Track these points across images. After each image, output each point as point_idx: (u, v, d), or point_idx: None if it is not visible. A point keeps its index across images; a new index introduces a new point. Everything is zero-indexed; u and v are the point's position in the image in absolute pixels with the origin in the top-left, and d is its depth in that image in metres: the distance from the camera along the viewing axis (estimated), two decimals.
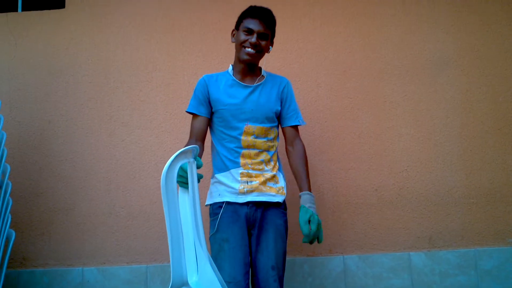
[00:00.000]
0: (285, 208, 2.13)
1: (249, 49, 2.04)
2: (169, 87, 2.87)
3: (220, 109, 2.08)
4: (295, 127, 2.20)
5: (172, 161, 1.50)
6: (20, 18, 2.96)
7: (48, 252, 2.75)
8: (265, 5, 2.12)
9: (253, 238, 2.03)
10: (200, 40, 2.92)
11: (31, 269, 2.73)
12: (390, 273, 2.67)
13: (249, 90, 2.10)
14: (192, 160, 1.60)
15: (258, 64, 2.16)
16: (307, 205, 2.00)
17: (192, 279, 1.50)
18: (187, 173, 1.57)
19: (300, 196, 2.06)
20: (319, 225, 1.97)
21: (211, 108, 2.12)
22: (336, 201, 2.76)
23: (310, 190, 2.07)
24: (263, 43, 2.06)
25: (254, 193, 2.02)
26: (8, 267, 2.45)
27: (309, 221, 1.94)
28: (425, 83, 2.85)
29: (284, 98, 2.17)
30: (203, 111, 2.11)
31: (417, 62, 2.88)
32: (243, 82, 2.12)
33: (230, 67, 2.18)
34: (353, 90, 2.85)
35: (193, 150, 1.60)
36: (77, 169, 2.82)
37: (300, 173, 2.11)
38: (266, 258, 1.99)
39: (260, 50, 2.07)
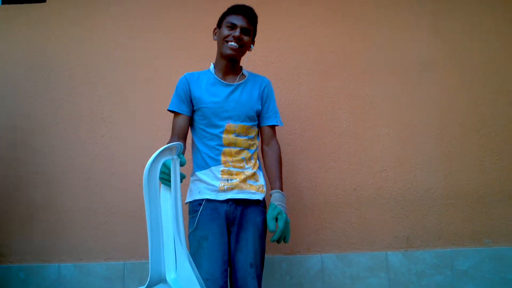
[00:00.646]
0: (265, 206, 2.13)
1: (232, 43, 2.05)
2: (151, 84, 2.86)
3: (201, 107, 2.08)
4: (273, 127, 2.22)
5: (156, 157, 1.48)
6: (0, 12, 2.93)
7: (25, 248, 2.73)
8: (247, 4, 2.13)
9: (232, 236, 2.03)
10: (182, 37, 2.91)
11: (7, 264, 2.70)
12: (367, 272, 2.69)
13: (230, 88, 2.11)
14: (175, 157, 1.58)
15: (239, 61, 2.17)
16: (276, 203, 2.02)
17: (170, 276, 1.49)
18: (170, 170, 1.55)
19: (270, 195, 2.08)
20: (286, 224, 1.98)
21: (193, 106, 2.12)
22: (315, 200, 2.76)
23: (282, 190, 2.09)
24: (245, 38, 2.08)
25: (235, 191, 2.03)
26: None
27: (277, 219, 1.96)
28: (406, 84, 2.86)
29: (265, 97, 2.19)
30: (184, 109, 2.12)
31: (398, 63, 2.89)
32: (225, 81, 2.13)
33: (212, 66, 2.19)
34: (334, 89, 2.86)
35: (177, 147, 1.59)
36: (55, 164, 2.80)
37: (274, 173, 2.14)
38: (245, 256, 1.98)
39: (243, 45, 2.08)
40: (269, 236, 2.03)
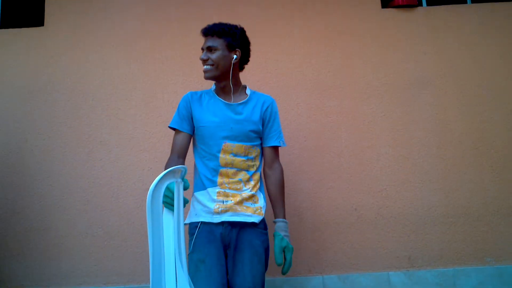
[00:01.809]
0: (265, 228, 2.10)
1: (204, 67, 2.06)
2: (148, 106, 2.86)
3: (200, 127, 2.08)
4: (275, 148, 2.18)
5: (159, 180, 1.48)
6: None
7: (24, 273, 2.70)
8: (243, 25, 2.16)
9: (229, 259, 2.00)
10: (180, 59, 2.91)
11: None
12: None
13: (230, 108, 2.09)
14: (179, 180, 1.58)
15: (229, 79, 2.10)
16: (282, 234, 2.01)
17: None
18: (173, 194, 1.54)
19: (275, 222, 2.06)
20: (291, 253, 2.02)
21: (193, 125, 2.12)
22: (315, 221, 2.75)
23: (285, 217, 2.09)
24: (213, 56, 2.05)
25: (229, 213, 1.99)
26: None
27: (284, 251, 1.97)
28: (404, 103, 2.86)
29: (267, 118, 2.14)
30: (185, 127, 2.11)
31: (396, 82, 2.89)
32: (226, 100, 2.11)
33: (213, 85, 2.18)
34: (332, 109, 2.86)
35: (181, 171, 1.58)
36: (54, 188, 2.79)
37: (277, 199, 2.12)
38: (242, 280, 1.94)
39: (211, 64, 2.05)
40: (273, 258, 2.02)
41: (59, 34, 2.93)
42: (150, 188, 1.43)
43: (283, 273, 1.99)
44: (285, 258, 1.99)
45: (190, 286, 1.52)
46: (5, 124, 2.84)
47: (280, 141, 2.17)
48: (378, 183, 2.79)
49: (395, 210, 2.75)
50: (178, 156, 2.07)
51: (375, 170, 2.80)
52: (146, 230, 2.63)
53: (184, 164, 2.06)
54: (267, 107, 2.15)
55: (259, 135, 2.13)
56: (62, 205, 2.77)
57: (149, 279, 2.62)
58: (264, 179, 2.18)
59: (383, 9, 2.99)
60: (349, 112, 2.86)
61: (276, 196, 2.12)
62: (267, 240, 2.09)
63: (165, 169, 1.90)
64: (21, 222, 2.75)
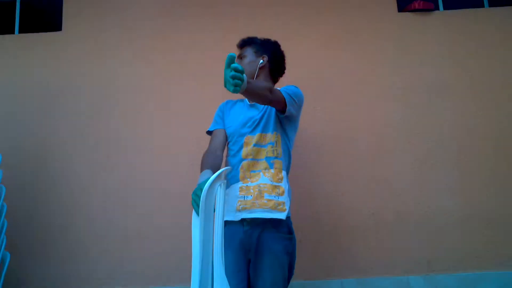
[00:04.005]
0: (289, 232, 2.03)
1: None
2: (167, 108, 2.88)
3: (227, 128, 2.17)
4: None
5: (212, 181, 1.50)
6: (17, 40, 2.97)
7: (43, 275, 2.72)
8: (259, 31, 2.27)
9: (251, 264, 1.99)
10: (198, 61, 2.93)
11: None
12: None
13: (253, 106, 2.16)
14: (224, 181, 1.60)
15: (253, 76, 2.17)
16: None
17: None
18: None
19: None
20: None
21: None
22: (333, 225, 2.73)
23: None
24: (241, 62, 2.18)
25: (247, 210, 1.95)
26: None
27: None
28: (421, 107, 2.85)
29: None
30: (222, 125, 2.20)
31: (414, 85, 2.88)
32: (253, 104, 2.17)
33: None
34: (349, 113, 2.85)
35: (227, 171, 1.62)
36: (74, 190, 2.81)
37: None
38: (262, 284, 1.93)
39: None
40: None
41: (77, 38, 2.96)
42: (204, 189, 1.49)
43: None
44: None
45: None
46: (26, 127, 2.87)
47: (285, 92, 1.98)
48: (396, 187, 2.77)
49: (414, 214, 2.73)
50: (216, 148, 2.10)
51: (393, 174, 2.78)
52: (166, 231, 2.67)
53: (222, 156, 2.08)
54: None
55: (280, 122, 2.09)
56: (82, 206, 2.79)
57: (167, 280, 2.65)
58: None
59: (399, 13, 2.99)
60: (366, 116, 2.85)
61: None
62: (292, 244, 2.03)
63: (202, 162, 1.98)
64: (42, 223, 2.77)
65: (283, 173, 2.05)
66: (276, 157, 2.05)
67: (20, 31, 3.05)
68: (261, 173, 2.01)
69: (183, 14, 3.01)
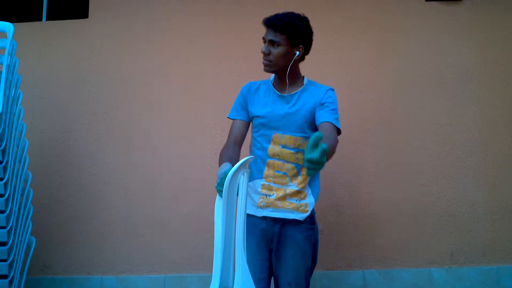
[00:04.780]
0: (312, 223, 2.02)
1: (263, 61, 1.98)
2: (188, 96, 2.89)
3: (254, 117, 2.06)
4: (329, 124, 1.92)
5: (235, 170, 1.51)
6: (44, 28, 3.01)
7: (68, 260, 2.77)
8: (280, 9, 2.01)
9: (273, 254, 1.99)
10: (219, 49, 2.93)
11: (51, 276, 2.75)
12: None
13: (283, 99, 2.03)
14: (248, 170, 1.60)
15: (287, 71, 1.98)
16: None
17: None
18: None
19: None
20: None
21: (250, 114, 2.09)
22: (356, 215, 2.73)
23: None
24: (274, 51, 1.94)
25: (270, 208, 1.96)
26: (28, 273, 2.49)
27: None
28: (447, 97, 2.82)
29: (324, 101, 1.99)
30: (242, 115, 2.09)
31: (438, 75, 2.85)
32: (281, 91, 2.04)
33: (272, 76, 2.10)
34: (372, 103, 2.83)
35: (250, 160, 1.62)
36: (97, 177, 2.84)
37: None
38: (284, 274, 1.94)
39: (270, 60, 1.95)
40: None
41: (102, 26, 2.98)
42: (227, 178, 1.48)
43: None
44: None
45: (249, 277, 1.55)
46: (51, 114, 2.91)
47: (335, 119, 1.95)
48: (419, 177, 2.75)
49: (436, 206, 2.71)
50: (234, 143, 2.03)
51: (416, 164, 2.76)
52: (188, 219, 2.69)
53: (239, 152, 2.03)
54: (324, 95, 2.00)
55: (310, 124, 2.01)
56: (104, 193, 2.83)
57: (190, 268, 2.68)
58: None
59: (427, 1, 2.94)
60: (388, 106, 2.83)
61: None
62: (314, 235, 2.03)
63: (221, 155, 1.94)
64: (65, 210, 2.82)
65: (309, 177, 2.02)
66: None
67: (48, 18, 3.07)
68: (287, 179, 1.98)
69: (208, 2, 2.99)
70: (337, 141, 1.90)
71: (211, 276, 1.49)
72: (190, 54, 2.94)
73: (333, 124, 1.94)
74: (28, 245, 2.50)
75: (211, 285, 1.47)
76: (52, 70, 2.95)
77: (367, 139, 2.80)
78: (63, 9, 3.04)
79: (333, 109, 2.00)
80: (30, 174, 2.55)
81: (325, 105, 1.99)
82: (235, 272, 1.54)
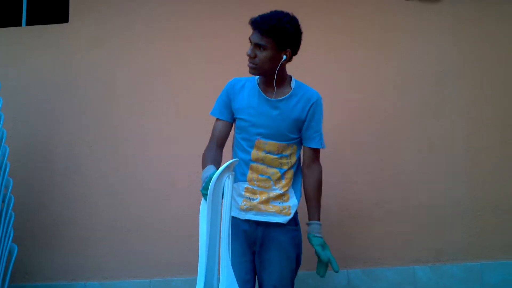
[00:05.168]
0: (295, 224, 2.02)
1: (248, 64, 1.90)
2: (173, 101, 2.88)
3: (237, 118, 2.01)
4: (316, 150, 2.03)
5: (220, 174, 1.50)
6: (24, 33, 2.98)
7: (51, 266, 2.74)
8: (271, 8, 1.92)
9: (256, 256, 1.98)
10: (204, 55, 2.92)
11: (34, 283, 2.72)
12: (395, 287, 2.64)
13: (268, 103, 1.95)
14: (233, 173, 1.59)
15: (273, 74, 1.91)
16: (319, 235, 1.96)
17: None
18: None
19: (308, 224, 1.98)
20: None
21: (233, 113, 2.03)
22: (340, 215, 2.74)
23: (319, 219, 1.99)
24: (260, 54, 1.85)
25: (252, 212, 1.94)
26: (10, 281, 2.45)
27: (323, 248, 1.94)
28: (429, 95, 2.84)
29: (309, 118, 1.97)
30: (226, 115, 2.02)
31: (421, 74, 2.86)
32: (266, 94, 1.96)
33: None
34: (355, 102, 2.84)
35: (235, 163, 1.61)
36: (79, 182, 2.82)
37: (312, 201, 2.00)
38: (268, 277, 1.92)
39: (255, 63, 1.87)
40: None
41: (83, 31, 2.96)
42: (212, 181, 1.47)
43: (335, 270, 1.94)
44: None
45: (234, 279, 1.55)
46: (32, 119, 2.88)
47: (321, 143, 2.02)
48: (402, 176, 2.76)
49: (420, 204, 2.73)
50: (217, 144, 1.99)
51: (400, 163, 2.78)
52: (173, 223, 2.68)
53: (221, 153, 2.00)
54: (311, 106, 1.97)
55: (297, 134, 1.99)
56: (88, 199, 2.80)
57: (175, 272, 2.67)
58: (302, 178, 2.05)
59: (407, 1, 2.95)
60: (372, 105, 2.84)
61: (311, 198, 2.01)
62: (298, 236, 2.02)
63: (204, 158, 1.91)
64: (48, 216, 2.79)
65: (294, 180, 2.03)
66: (289, 169, 1.99)
67: (27, 23, 3.05)
68: (271, 182, 1.96)
69: (191, 2, 2.99)
70: (321, 170, 2.07)
71: (196, 280, 1.48)
72: (175, 56, 2.93)
73: (319, 149, 2.05)
74: (10, 253, 2.47)
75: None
76: (33, 75, 2.93)
77: (350, 138, 2.81)
78: (43, 14, 3.02)
79: (317, 131, 2.01)
80: (11, 180, 2.52)
81: (312, 125, 1.99)
82: (220, 275, 1.54)
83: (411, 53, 2.89)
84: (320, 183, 2.05)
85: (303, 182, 2.05)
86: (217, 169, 1.72)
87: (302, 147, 2.04)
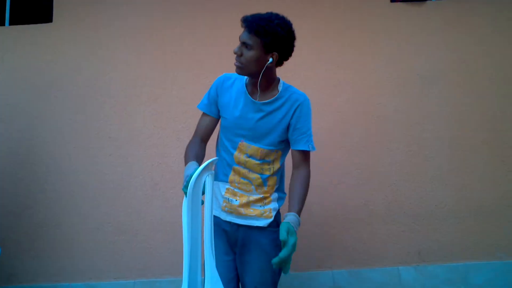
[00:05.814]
0: (277, 225, 1.96)
1: (235, 61, 1.84)
2: (157, 102, 2.86)
3: (223, 117, 1.97)
4: (303, 152, 1.95)
5: (200, 172, 1.49)
6: (8, 32, 2.95)
7: (35, 268, 2.73)
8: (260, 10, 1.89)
9: (237, 257, 1.96)
10: (189, 54, 2.91)
11: (18, 285, 2.70)
12: None
13: (254, 106, 1.90)
14: (212, 172, 1.58)
15: (258, 76, 1.84)
16: (289, 222, 1.77)
17: None
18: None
19: (285, 216, 1.85)
20: (293, 247, 1.72)
21: (219, 110, 1.99)
22: (325, 216, 2.74)
23: (298, 214, 1.84)
24: (246, 54, 1.80)
25: (233, 215, 1.93)
26: None
27: (288, 234, 1.72)
28: (416, 97, 2.84)
29: (295, 120, 1.91)
30: (213, 111, 1.98)
31: (408, 76, 2.87)
32: (252, 96, 1.91)
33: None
34: (343, 104, 2.84)
35: (214, 163, 1.60)
36: (64, 184, 2.80)
37: (294, 195, 1.88)
38: (251, 278, 1.90)
39: (241, 62, 1.82)
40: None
41: (67, 30, 2.94)
42: (191, 180, 1.47)
43: (279, 258, 1.68)
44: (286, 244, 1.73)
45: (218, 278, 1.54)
46: (16, 120, 2.86)
47: (309, 145, 1.94)
48: (388, 178, 2.77)
49: (405, 205, 2.74)
50: (201, 139, 1.97)
51: (386, 165, 2.78)
52: (156, 224, 2.68)
53: (205, 148, 1.97)
54: (296, 109, 1.91)
55: (281, 138, 1.94)
56: (73, 200, 2.78)
57: (159, 273, 2.66)
58: (291, 178, 1.96)
59: (392, 3, 2.95)
60: (359, 107, 2.84)
61: (294, 192, 1.88)
62: (279, 238, 2.00)
63: (187, 152, 1.87)
64: (33, 218, 2.77)
65: (277, 186, 1.99)
66: (271, 175, 1.96)
67: (11, 23, 3.02)
68: (252, 187, 1.94)
69: (175, 7, 2.97)
70: (308, 173, 1.95)
71: (181, 281, 1.48)
72: (159, 59, 2.91)
73: (307, 152, 1.95)
74: None
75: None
76: (16, 75, 2.90)
77: (337, 140, 2.81)
78: (26, 14, 2.98)
79: (304, 133, 1.94)
80: None
81: (297, 127, 1.92)
82: (205, 273, 1.53)
83: (398, 55, 2.89)
84: (306, 186, 1.93)
85: (290, 181, 1.95)
86: (200, 164, 1.71)
87: (290, 150, 1.99)
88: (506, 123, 2.80)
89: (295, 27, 1.90)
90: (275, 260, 1.65)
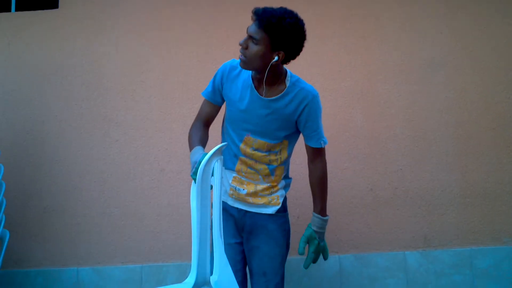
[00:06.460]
0: (284, 210, 2.01)
1: (240, 54, 1.80)
2: (163, 88, 2.86)
3: (228, 108, 1.97)
4: (316, 148, 1.99)
5: (209, 158, 1.50)
6: (13, 19, 2.94)
7: (43, 253, 2.74)
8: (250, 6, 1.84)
9: (244, 242, 1.98)
10: (194, 41, 2.90)
11: (26, 269, 2.71)
12: (385, 272, 2.67)
13: (260, 102, 1.87)
14: (221, 157, 1.59)
15: (264, 73, 1.80)
16: (314, 228, 1.99)
17: (213, 278, 1.51)
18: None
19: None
20: (319, 249, 2.01)
21: (223, 98, 2.00)
22: (331, 201, 2.71)
23: (322, 214, 2.03)
24: (252, 47, 1.74)
25: (239, 202, 1.96)
26: (2, 267, 2.45)
27: (308, 243, 1.98)
28: (420, 83, 2.84)
29: (304, 118, 1.90)
30: (216, 99, 1.99)
31: (412, 62, 2.86)
32: (258, 91, 1.87)
33: None
34: (347, 90, 2.84)
35: (223, 148, 1.61)
36: (71, 169, 2.81)
37: (315, 194, 2.05)
38: (258, 264, 1.93)
39: (246, 55, 1.77)
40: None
41: (73, 17, 2.93)
42: (201, 166, 1.47)
43: (304, 267, 1.99)
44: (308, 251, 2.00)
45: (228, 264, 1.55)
46: (22, 107, 2.86)
47: (321, 142, 1.97)
48: (394, 163, 2.77)
49: (411, 190, 2.74)
50: (204, 124, 1.99)
51: (391, 150, 2.79)
52: (163, 209, 2.69)
53: (208, 133, 2.00)
54: (304, 107, 1.88)
55: (288, 131, 1.94)
56: (79, 186, 2.79)
57: (166, 257, 2.67)
58: (308, 171, 2.06)
59: None
60: (364, 93, 2.84)
61: (315, 191, 2.04)
62: (286, 222, 2.02)
63: (191, 136, 1.90)
64: (39, 204, 2.78)
65: (284, 174, 2.02)
66: (279, 165, 1.97)
67: (17, 9, 3.02)
68: (260, 177, 1.95)
69: None
70: (323, 166, 2.04)
71: (188, 265, 1.49)
72: (165, 44, 2.90)
73: (321, 148, 2.00)
74: (1, 239, 2.47)
75: (189, 275, 1.46)
76: (23, 62, 2.90)
77: (342, 125, 2.81)
78: (32, 0, 2.98)
79: (315, 130, 1.95)
80: (2, 167, 2.51)
81: (308, 125, 1.93)
82: (214, 259, 1.54)
83: (403, 40, 2.89)
84: (323, 179, 2.04)
85: (309, 175, 2.05)
86: (204, 149, 1.72)
87: (304, 143, 2.02)
88: (511, 109, 2.80)
89: (300, 12, 1.85)
90: (304, 265, 2.01)
